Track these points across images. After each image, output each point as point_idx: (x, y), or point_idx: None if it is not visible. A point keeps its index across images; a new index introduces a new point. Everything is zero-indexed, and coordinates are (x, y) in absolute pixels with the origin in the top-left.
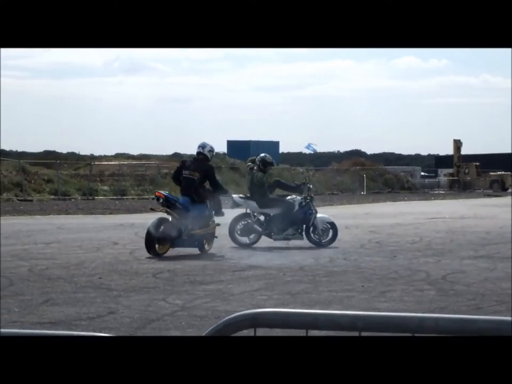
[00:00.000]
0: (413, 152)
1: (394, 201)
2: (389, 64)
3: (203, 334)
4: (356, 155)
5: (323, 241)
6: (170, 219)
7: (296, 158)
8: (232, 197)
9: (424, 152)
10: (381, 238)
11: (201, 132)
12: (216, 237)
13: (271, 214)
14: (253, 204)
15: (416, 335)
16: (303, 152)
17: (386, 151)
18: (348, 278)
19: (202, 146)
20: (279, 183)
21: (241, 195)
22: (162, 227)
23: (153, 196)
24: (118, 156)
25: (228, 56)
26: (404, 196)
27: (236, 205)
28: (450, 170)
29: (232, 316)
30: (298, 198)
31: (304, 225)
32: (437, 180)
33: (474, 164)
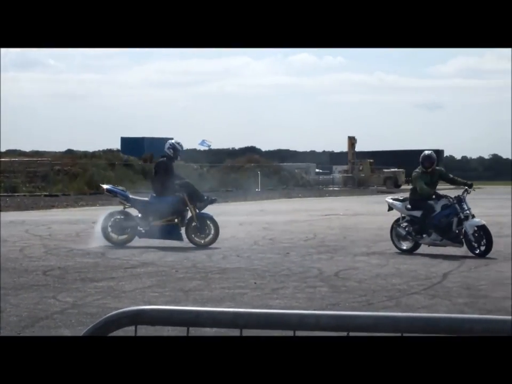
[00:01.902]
0: (308, 149)
1: (289, 198)
2: (285, 61)
3: (83, 332)
4: (251, 152)
5: (475, 251)
6: (128, 212)
7: (190, 155)
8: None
9: (319, 149)
10: (274, 235)
11: (95, 128)
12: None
13: (417, 216)
14: (399, 204)
15: (297, 332)
16: (197, 149)
17: (281, 148)
18: (240, 275)
19: (165, 145)
20: (442, 173)
21: (396, 197)
22: (116, 219)
23: (46, 193)
24: (9, 153)
25: (123, 52)
26: (298, 193)
27: (389, 207)
28: (345, 167)
29: (113, 313)
30: (444, 199)
31: (444, 231)
32: (331, 177)
33: (369, 160)
